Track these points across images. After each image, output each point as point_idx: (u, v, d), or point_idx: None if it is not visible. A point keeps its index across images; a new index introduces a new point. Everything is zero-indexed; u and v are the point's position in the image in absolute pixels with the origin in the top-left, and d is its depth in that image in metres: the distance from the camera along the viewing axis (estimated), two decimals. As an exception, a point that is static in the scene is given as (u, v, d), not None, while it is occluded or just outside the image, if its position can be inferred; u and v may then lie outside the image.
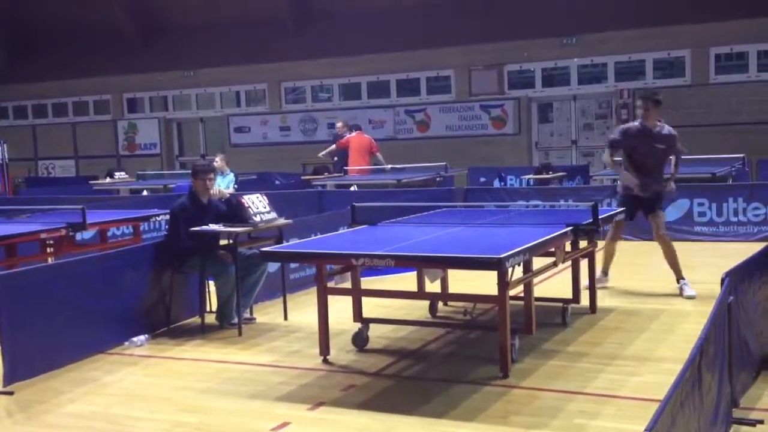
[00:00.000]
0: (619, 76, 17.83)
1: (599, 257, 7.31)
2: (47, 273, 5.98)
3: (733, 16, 16.11)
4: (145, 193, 15.10)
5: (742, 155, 13.11)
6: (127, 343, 6.23)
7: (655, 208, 7.40)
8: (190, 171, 7.11)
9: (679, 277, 7.33)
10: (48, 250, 7.84)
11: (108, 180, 16.71)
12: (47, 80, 22.88)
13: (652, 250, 7.72)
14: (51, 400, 5.08)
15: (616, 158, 7.59)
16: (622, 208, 7.35)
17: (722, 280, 4.05)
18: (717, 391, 3.60)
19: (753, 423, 4.02)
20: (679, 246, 7.52)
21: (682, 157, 7.76)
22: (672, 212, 10.47)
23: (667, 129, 7.44)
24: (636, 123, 7.50)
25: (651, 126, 7.35)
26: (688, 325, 6.15)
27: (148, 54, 21.85)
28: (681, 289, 7.24)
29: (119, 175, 17.21)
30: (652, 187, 7.37)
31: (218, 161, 13.45)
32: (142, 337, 6.32)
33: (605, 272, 7.62)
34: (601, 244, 7.39)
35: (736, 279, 4.17)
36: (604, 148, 7.72)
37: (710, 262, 8.46)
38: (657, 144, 7.33)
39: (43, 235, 7.61)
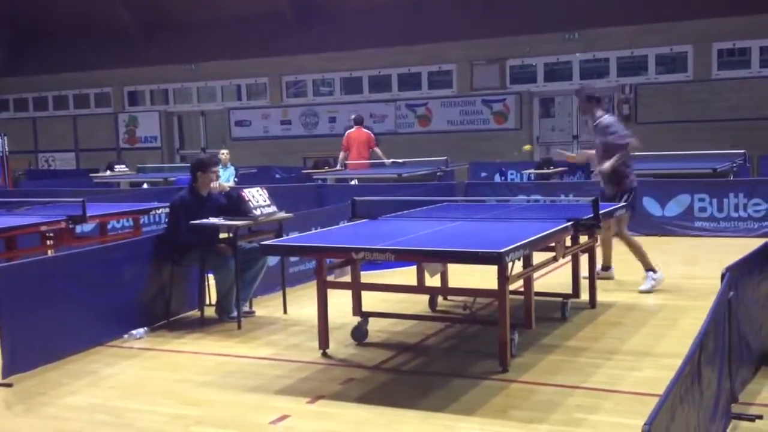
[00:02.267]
0: (621, 71, 17.79)
1: (599, 252, 7.30)
2: (47, 265, 5.97)
3: (735, 11, 16.07)
4: (145, 186, 15.09)
5: (743, 151, 13.10)
6: (126, 336, 6.23)
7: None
8: (190, 165, 7.09)
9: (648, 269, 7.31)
10: (48, 242, 7.84)
11: (108, 173, 16.69)
12: (48, 73, 22.85)
13: (652, 245, 7.72)
14: (50, 392, 5.08)
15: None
16: (623, 204, 7.28)
17: (722, 276, 4.04)
18: (716, 386, 3.59)
19: (752, 418, 4.02)
20: (679, 241, 7.54)
21: (631, 152, 7.57)
22: (673, 207, 10.48)
23: (602, 119, 7.48)
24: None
25: (593, 120, 7.51)
26: (688, 320, 6.15)
27: (149, 47, 21.82)
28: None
29: (119, 168, 17.19)
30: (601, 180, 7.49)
31: (224, 155, 13.61)
32: (141, 330, 6.32)
33: (607, 267, 7.57)
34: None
35: (736, 274, 4.16)
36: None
37: (711, 258, 8.45)
38: (597, 136, 7.47)
39: (43, 228, 7.60)
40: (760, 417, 4.03)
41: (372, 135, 14.99)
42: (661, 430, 2.53)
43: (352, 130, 14.96)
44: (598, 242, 7.23)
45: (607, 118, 7.53)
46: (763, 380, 4.68)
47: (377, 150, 14.79)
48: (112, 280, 6.26)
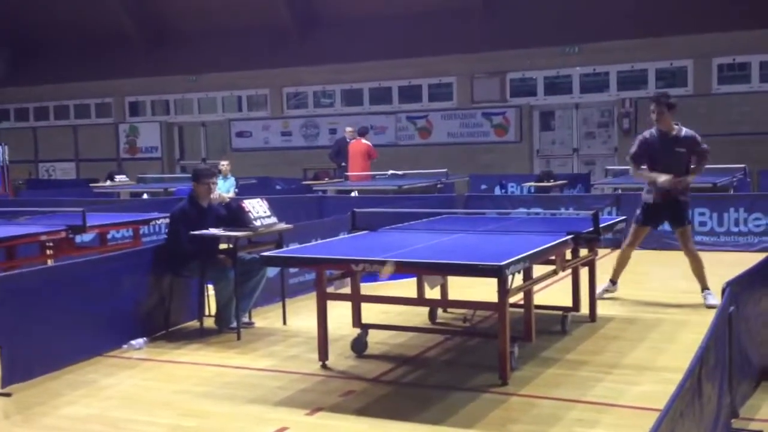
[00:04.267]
0: (621, 85, 17.85)
1: (608, 264, 7.26)
2: (46, 275, 5.96)
3: (736, 26, 16.13)
4: (145, 196, 15.10)
5: (743, 165, 13.11)
6: (125, 346, 6.21)
7: (682, 221, 7.17)
8: (190, 175, 7.09)
9: (704, 287, 7.20)
10: (48, 252, 7.83)
11: (108, 183, 16.70)
12: (49, 83, 22.91)
13: (653, 259, 7.72)
14: (48, 403, 5.06)
15: (642, 168, 7.32)
16: (623, 217, 7.33)
17: (723, 290, 4.04)
18: (717, 401, 3.58)
19: (753, 433, 4.01)
20: (680, 255, 7.51)
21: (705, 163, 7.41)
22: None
23: (685, 131, 7.25)
24: (652, 130, 7.29)
25: (667, 130, 7.18)
26: (689, 334, 6.14)
27: (150, 58, 21.88)
28: (705, 298, 7.14)
29: (120, 178, 17.21)
30: (672, 194, 7.13)
31: (225, 165, 13.71)
32: (140, 341, 6.30)
33: (614, 281, 7.51)
34: (601, 252, 7.36)
35: (736, 289, 4.16)
36: (629, 162, 7.42)
37: (711, 272, 8.42)
38: (677, 148, 7.14)
39: (43, 238, 7.60)
40: (761, 432, 4.02)
41: (371, 146, 15.03)
42: (661, 445, 2.52)
43: (353, 141, 15.01)
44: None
45: (687, 129, 7.30)
46: (764, 395, 4.66)
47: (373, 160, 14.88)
48: (112, 290, 6.25)
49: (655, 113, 7.17)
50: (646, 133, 7.35)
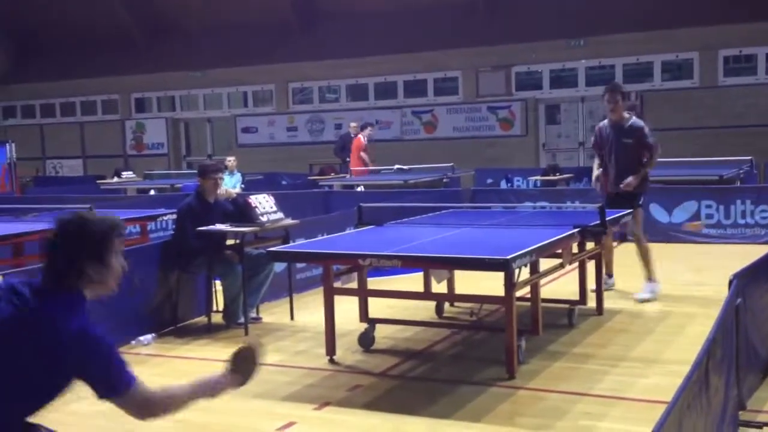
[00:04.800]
0: (627, 78, 17.76)
1: (617, 257, 7.26)
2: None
3: (741, 18, 16.06)
4: (152, 192, 15.14)
5: (749, 157, 13.07)
6: (134, 342, 6.24)
7: (631, 204, 7.13)
8: (196, 171, 7.10)
9: (648, 278, 7.21)
10: (55, 249, 7.84)
11: (115, 179, 16.76)
12: (55, 80, 22.96)
13: (658, 252, 7.70)
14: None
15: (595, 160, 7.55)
16: (629, 210, 7.27)
17: (730, 282, 4.03)
18: (724, 393, 3.58)
19: (760, 426, 4.01)
20: (686, 248, 7.51)
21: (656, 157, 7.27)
22: (680, 214, 10.46)
23: (633, 121, 7.25)
24: (605, 120, 7.37)
25: (619, 120, 7.20)
26: (695, 327, 6.13)
27: (155, 54, 21.90)
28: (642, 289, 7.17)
29: (126, 174, 17.26)
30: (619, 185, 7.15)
31: (231, 161, 13.79)
32: (149, 336, 6.33)
33: (610, 274, 7.55)
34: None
35: (743, 281, 4.15)
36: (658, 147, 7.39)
37: (718, 264, 8.42)
38: (624, 139, 7.15)
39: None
40: (768, 424, 4.02)
41: (361, 140, 15.08)
42: (668, 438, 2.52)
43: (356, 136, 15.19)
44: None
45: (636, 119, 7.31)
46: (771, 387, 4.67)
47: (363, 155, 14.96)
48: (120, 286, 6.25)
49: (611, 103, 7.16)
50: (601, 124, 7.45)
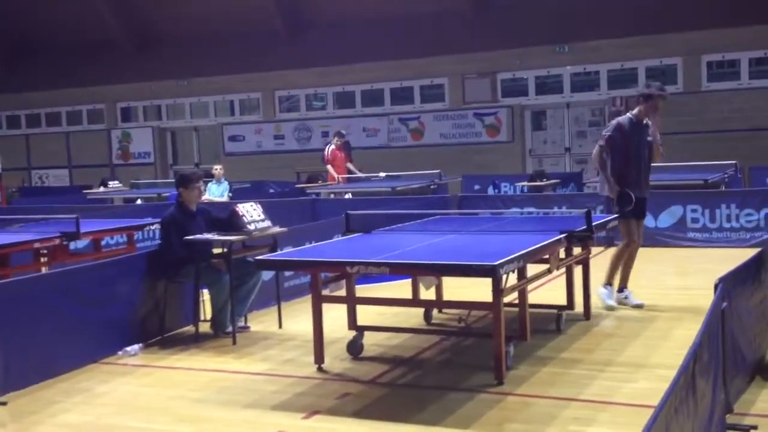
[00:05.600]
0: (611, 83, 17.90)
1: (602, 262, 7.25)
2: (41, 282, 5.96)
3: (724, 23, 16.20)
4: (139, 202, 15.09)
5: (734, 162, 13.16)
6: (120, 353, 6.20)
7: (645, 213, 7.17)
8: (175, 181, 7.03)
9: (623, 286, 7.16)
10: (42, 259, 7.81)
11: (102, 189, 16.69)
12: (40, 90, 22.87)
13: (644, 256, 7.73)
14: (44, 411, 5.05)
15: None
16: (616, 215, 7.22)
17: (715, 286, 4.06)
18: (711, 397, 3.60)
19: (747, 429, 4.02)
20: (672, 252, 7.55)
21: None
22: (665, 219, 10.52)
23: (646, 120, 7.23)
24: (626, 116, 7.20)
25: (642, 119, 7.14)
26: (682, 331, 6.16)
27: (141, 63, 21.85)
28: (623, 298, 7.16)
29: (113, 184, 17.19)
30: (647, 186, 7.13)
31: (218, 170, 13.85)
32: (135, 347, 6.29)
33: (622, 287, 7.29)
34: (595, 250, 7.31)
35: (729, 285, 4.18)
36: (597, 145, 7.23)
37: (703, 268, 8.48)
38: (648, 137, 7.13)
39: (37, 245, 7.59)
40: (755, 427, 4.04)
41: (335, 151, 15.27)
42: (656, 442, 2.53)
43: None
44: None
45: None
46: (758, 390, 4.69)
47: (329, 166, 15.20)
48: (106, 296, 6.25)
49: (651, 106, 7.14)
50: (621, 119, 7.27)
